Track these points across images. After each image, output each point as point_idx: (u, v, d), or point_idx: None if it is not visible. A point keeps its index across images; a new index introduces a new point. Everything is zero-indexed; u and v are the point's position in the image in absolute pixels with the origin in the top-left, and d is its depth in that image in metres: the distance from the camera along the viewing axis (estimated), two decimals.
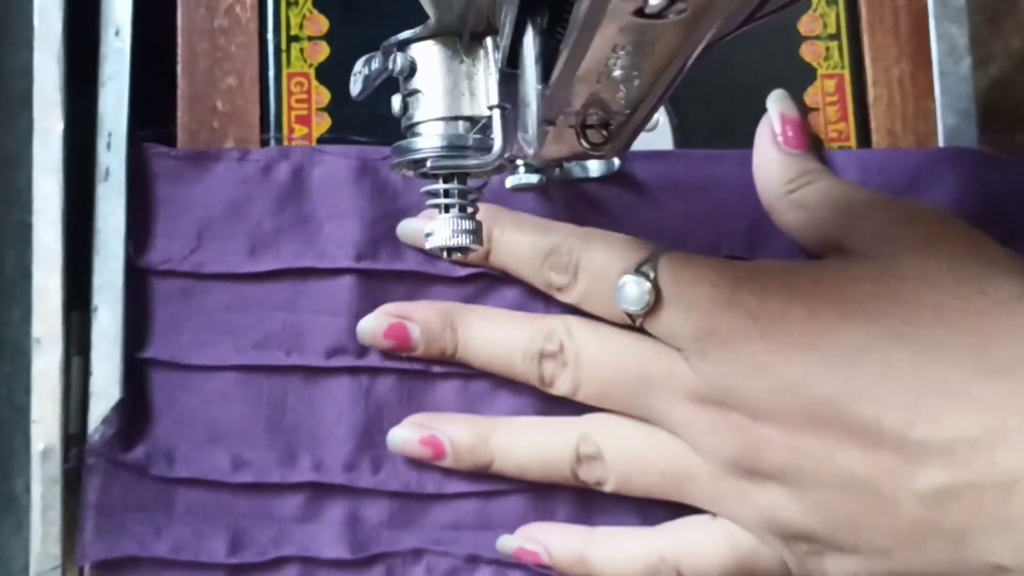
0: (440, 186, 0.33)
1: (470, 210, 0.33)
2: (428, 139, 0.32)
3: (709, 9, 0.25)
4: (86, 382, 0.48)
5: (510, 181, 0.43)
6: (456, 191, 0.33)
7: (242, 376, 0.43)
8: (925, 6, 0.49)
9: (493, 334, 0.42)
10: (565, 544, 0.42)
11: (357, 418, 0.43)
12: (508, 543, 0.43)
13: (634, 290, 0.39)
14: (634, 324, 0.40)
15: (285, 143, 0.47)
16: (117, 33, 0.50)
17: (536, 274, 0.42)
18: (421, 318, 0.42)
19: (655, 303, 0.39)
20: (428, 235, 0.34)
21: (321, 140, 0.47)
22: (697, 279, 0.39)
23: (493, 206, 0.43)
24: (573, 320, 0.41)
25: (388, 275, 0.43)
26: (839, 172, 0.45)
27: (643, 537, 0.42)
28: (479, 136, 0.32)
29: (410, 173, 0.33)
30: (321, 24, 0.49)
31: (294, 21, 0.48)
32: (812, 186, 0.42)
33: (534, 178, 0.43)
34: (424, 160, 0.32)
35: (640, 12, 0.24)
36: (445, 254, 0.34)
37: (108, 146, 0.49)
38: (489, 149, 0.32)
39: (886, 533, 0.36)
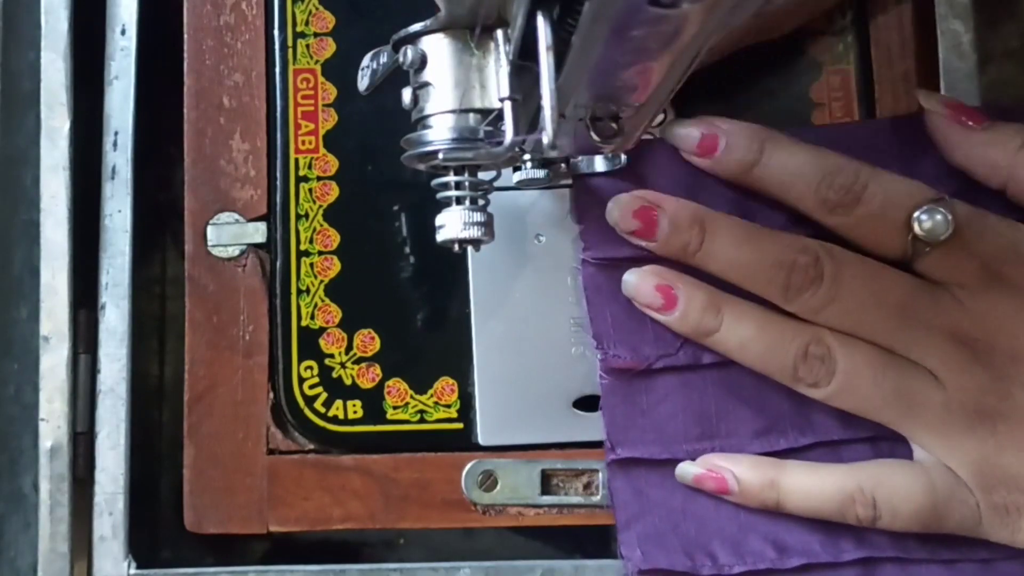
0: (451, 179, 0.33)
1: (481, 202, 0.33)
2: (439, 132, 0.33)
3: None
4: (94, 380, 0.48)
5: (517, 176, 0.43)
6: (467, 183, 0.33)
7: None
8: (931, 2, 0.49)
9: (744, 240, 0.42)
10: (754, 470, 0.42)
11: None
12: (688, 470, 0.43)
13: (935, 219, 0.39)
14: (910, 254, 0.40)
15: (291, 141, 0.47)
16: (123, 32, 0.50)
17: (808, 192, 0.41)
18: (672, 209, 0.42)
19: (950, 237, 0.39)
20: (439, 228, 0.34)
21: (327, 136, 0.47)
22: (990, 226, 0.40)
23: (763, 127, 0.43)
24: (830, 244, 0.41)
25: None
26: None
27: (840, 469, 0.42)
28: (490, 128, 0.32)
29: (421, 166, 0.34)
30: (327, 20, 0.49)
31: (300, 17, 0.49)
32: None
33: (540, 173, 0.43)
34: (435, 153, 0.32)
35: (654, 1, 0.25)
36: (456, 247, 0.34)
37: (115, 144, 0.49)
38: (500, 141, 0.32)
39: None
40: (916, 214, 0.39)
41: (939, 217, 0.39)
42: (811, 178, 0.41)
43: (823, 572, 0.43)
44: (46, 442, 0.47)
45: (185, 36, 0.49)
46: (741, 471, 0.42)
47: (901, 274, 0.40)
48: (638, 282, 0.43)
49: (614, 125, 0.34)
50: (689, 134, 0.42)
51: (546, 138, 0.29)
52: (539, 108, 0.30)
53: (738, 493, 0.42)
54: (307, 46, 0.48)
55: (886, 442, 0.43)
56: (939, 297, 0.40)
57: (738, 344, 0.42)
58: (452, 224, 0.33)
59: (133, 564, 0.47)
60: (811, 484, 0.41)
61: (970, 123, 0.42)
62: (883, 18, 0.50)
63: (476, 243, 0.33)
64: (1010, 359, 0.39)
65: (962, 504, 0.40)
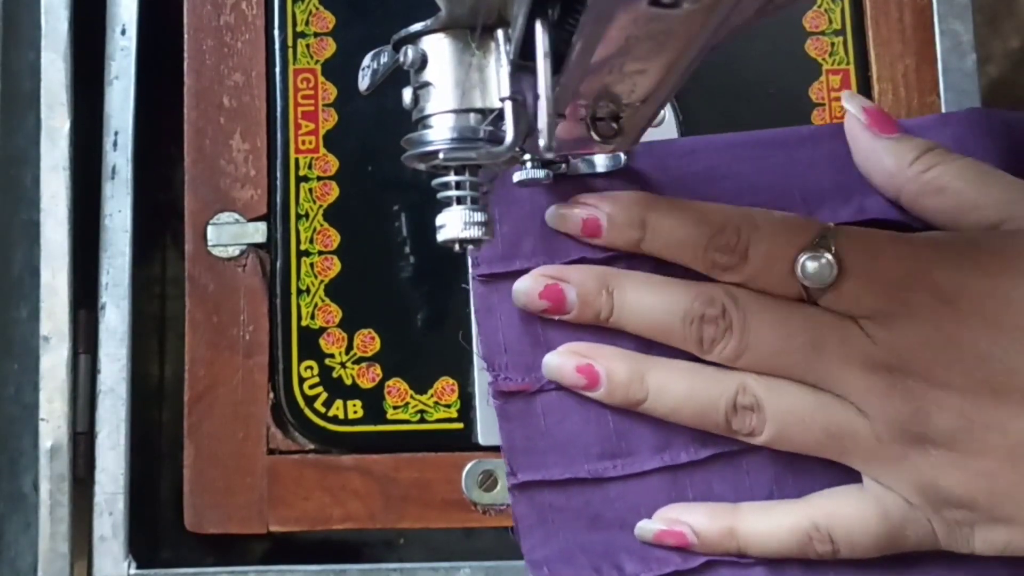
0: (452, 178, 0.33)
1: (482, 202, 0.33)
2: (439, 131, 0.32)
3: None
4: (94, 380, 0.48)
5: (517, 176, 0.43)
6: (468, 183, 0.33)
7: None
8: (930, 2, 0.49)
9: (651, 297, 0.42)
10: (711, 520, 0.42)
11: None
12: (649, 527, 0.42)
13: (815, 265, 0.39)
14: (807, 299, 0.40)
15: (291, 141, 0.48)
16: (123, 32, 0.50)
17: (698, 256, 0.41)
18: (577, 280, 0.42)
19: (837, 278, 0.39)
20: (439, 228, 0.34)
21: (327, 136, 0.47)
22: (880, 252, 0.40)
23: (646, 193, 0.43)
24: (735, 288, 0.41)
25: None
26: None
27: (791, 506, 0.42)
28: (490, 128, 0.32)
29: (421, 165, 0.34)
30: (327, 20, 0.49)
31: (300, 17, 0.49)
32: (946, 166, 0.42)
33: (540, 173, 0.43)
34: (436, 152, 0.32)
35: (655, 2, 0.25)
36: (457, 247, 0.34)
37: (115, 144, 0.49)
38: (501, 141, 0.32)
39: None
40: (800, 262, 0.39)
41: (822, 262, 0.39)
42: (697, 244, 0.41)
43: (728, 568, 0.42)
44: (46, 442, 0.47)
45: (185, 36, 0.49)
46: (698, 522, 0.42)
47: (808, 311, 0.40)
48: (560, 365, 0.43)
49: (614, 125, 0.34)
50: (570, 216, 0.43)
51: (543, 141, 0.29)
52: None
53: (699, 546, 0.42)
54: (307, 46, 0.48)
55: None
56: (847, 330, 0.40)
57: (670, 410, 0.42)
58: (452, 224, 0.33)
59: (133, 564, 0.47)
60: (767, 527, 0.41)
61: (879, 130, 0.42)
62: (883, 18, 0.50)
63: (477, 243, 0.33)
64: (927, 384, 0.38)
65: (916, 525, 0.40)
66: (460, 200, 0.33)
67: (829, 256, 0.39)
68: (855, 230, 0.41)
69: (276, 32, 0.49)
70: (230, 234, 0.48)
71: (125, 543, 0.47)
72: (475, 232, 0.33)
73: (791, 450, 0.41)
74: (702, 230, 0.41)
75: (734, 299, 0.41)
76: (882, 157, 0.42)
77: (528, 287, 0.42)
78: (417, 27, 0.33)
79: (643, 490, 0.43)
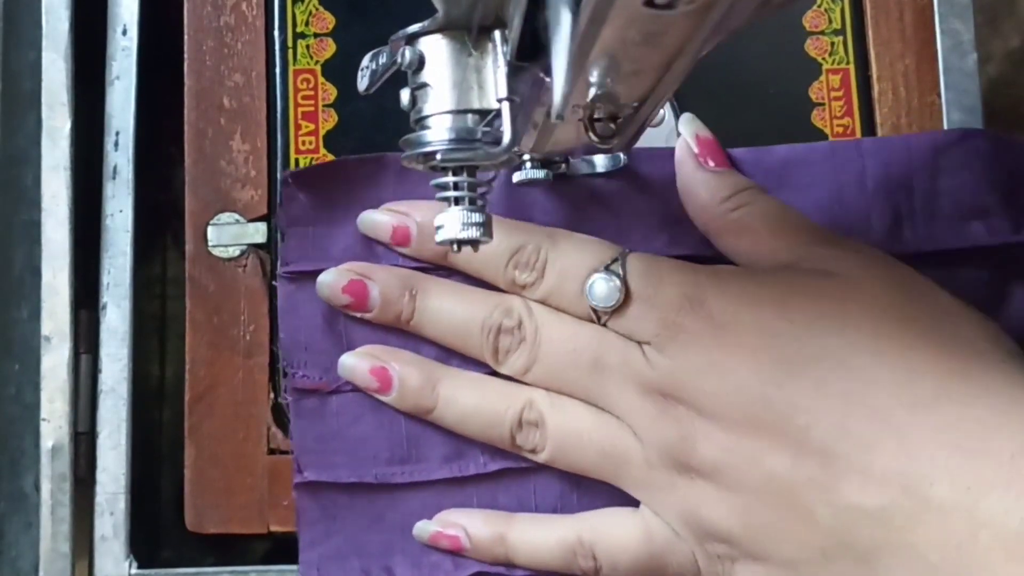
0: (450, 179, 0.33)
1: (480, 203, 0.34)
2: (437, 132, 0.33)
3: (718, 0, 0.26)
4: (95, 380, 0.48)
5: (516, 176, 0.43)
6: (465, 184, 0.33)
7: None
8: (930, 2, 0.49)
9: (452, 304, 0.43)
10: (485, 526, 0.42)
11: None
12: (425, 528, 0.43)
13: (604, 288, 0.40)
14: (597, 320, 0.41)
15: (292, 142, 0.48)
16: (124, 32, 0.50)
17: (500, 272, 0.43)
18: (382, 279, 0.43)
19: (623, 300, 0.40)
20: (438, 228, 0.34)
21: (328, 136, 0.48)
22: (664, 279, 0.40)
23: None
24: (534, 303, 0.42)
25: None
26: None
27: (563, 520, 0.42)
28: (488, 129, 0.32)
29: (419, 166, 0.34)
30: (327, 21, 0.49)
31: (300, 18, 0.49)
32: (752, 208, 0.42)
33: (540, 173, 0.43)
34: (434, 153, 0.32)
35: (650, 3, 0.25)
36: (455, 247, 0.34)
37: (116, 144, 0.49)
38: (498, 142, 0.32)
39: (796, 544, 0.37)
40: (589, 284, 0.40)
41: (611, 285, 0.40)
42: (499, 259, 0.42)
43: None
44: (47, 442, 0.47)
45: (185, 36, 0.49)
46: (473, 525, 0.43)
47: (598, 331, 0.41)
48: (354, 365, 0.43)
49: (612, 125, 0.34)
50: (381, 223, 0.44)
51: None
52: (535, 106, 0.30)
53: (471, 550, 0.42)
54: (307, 46, 0.49)
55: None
56: (629, 353, 0.40)
57: (456, 420, 0.43)
58: (451, 224, 0.33)
59: (134, 564, 0.47)
60: (536, 537, 0.42)
61: (705, 161, 0.43)
62: (883, 17, 0.50)
63: (475, 243, 0.34)
64: (695, 413, 0.39)
65: (679, 554, 0.40)
66: (458, 200, 0.34)
67: (617, 280, 0.40)
68: (645, 256, 0.41)
69: (276, 33, 0.49)
70: (231, 234, 0.48)
71: (126, 543, 0.47)
72: (473, 232, 0.33)
73: (569, 469, 0.42)
74: (505, 246, 0.42)
75: (530, 312, 0.42)
76: (699, 189, 0.43)
77: (332, 280, 0.43)
78: (414, 28, 0.33)
79: (428, 497, 0.44)
